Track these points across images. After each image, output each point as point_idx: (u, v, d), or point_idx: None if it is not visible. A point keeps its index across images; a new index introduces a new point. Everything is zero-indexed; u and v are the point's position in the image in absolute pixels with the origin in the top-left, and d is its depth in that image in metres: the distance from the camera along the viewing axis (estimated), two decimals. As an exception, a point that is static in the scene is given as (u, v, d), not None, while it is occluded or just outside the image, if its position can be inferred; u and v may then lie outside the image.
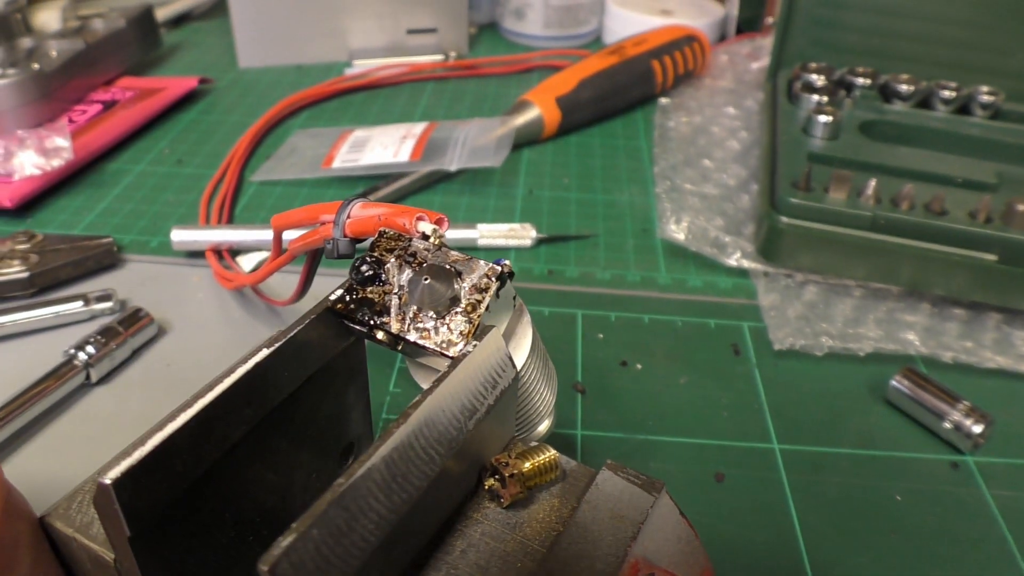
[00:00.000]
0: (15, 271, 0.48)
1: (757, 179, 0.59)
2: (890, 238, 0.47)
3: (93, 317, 0.47)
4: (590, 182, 0.62)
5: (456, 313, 0.24)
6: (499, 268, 0.24)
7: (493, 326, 0.24)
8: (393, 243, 0.25)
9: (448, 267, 0.24)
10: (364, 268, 0.25)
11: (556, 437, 0.39)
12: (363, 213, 0.28)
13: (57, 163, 0.57)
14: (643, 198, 0.60)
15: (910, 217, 0.47)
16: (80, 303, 0.47)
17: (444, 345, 0.24)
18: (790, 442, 0.41)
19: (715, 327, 0.48)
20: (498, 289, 0.24)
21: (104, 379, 0.43)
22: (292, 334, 0.24)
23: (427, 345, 0.24)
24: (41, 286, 0.49)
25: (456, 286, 0.24)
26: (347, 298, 0.25)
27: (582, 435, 0.40)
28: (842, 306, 0.48)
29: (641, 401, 0.42)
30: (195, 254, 0.52)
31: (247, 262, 0.51)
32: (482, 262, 0.24)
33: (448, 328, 0.24)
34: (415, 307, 0.24)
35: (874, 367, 0.45)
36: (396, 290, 0.25)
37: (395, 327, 0.24)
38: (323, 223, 0.30)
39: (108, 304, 0.47)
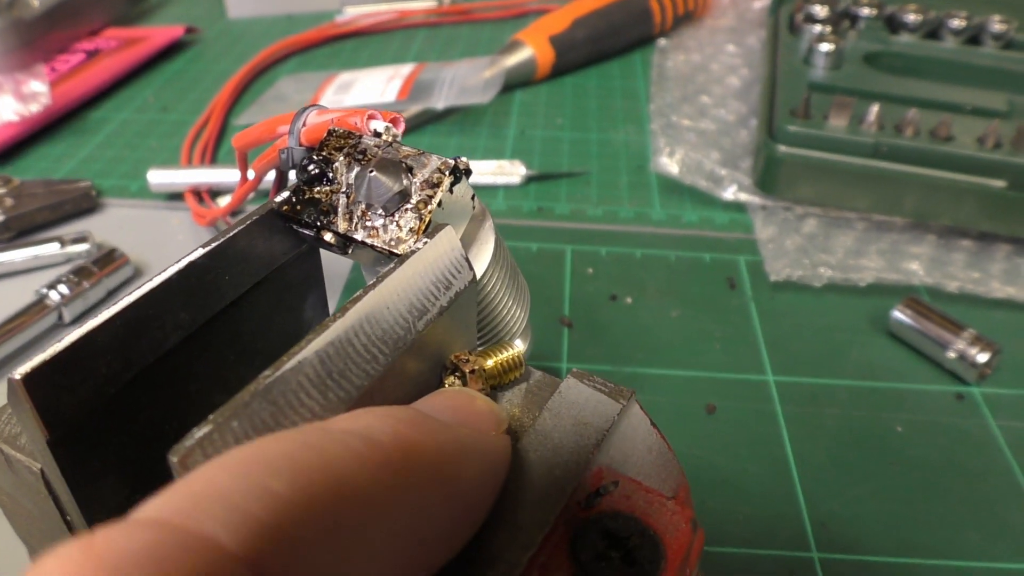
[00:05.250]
0: (-10, 215, 0.47)
1: (757, 114, 0.57)
2: (893, 165, 0.45)
3: (69, 260, 0.46)
4: (584, 122, 0.60)
5: (406, 210, 0.22)
6: (452, 162, 0.23)
7: (447, 224, 0.22)
8: (342, 141, 0.24)
9: (398, 161, 0.23)
10: (311, 167, 0.23)
11: (539, 370, 0.38)
12: (319, 119, 0.26)
13: (35, 108, 0.55)
14: (639, 137, 0.58)
15: (914, 143, 0.45)
16: (56, 245, 0.45)
17: (393, 243, 0.22)
18: (785, 374, 0.39)
19: (710, 261, 0.46)
20: (452, 184, 0.23)
21: (78, 320, 0.42)
22: (231, 234, 0.22)
23: (375, 244, 0.22)
24: (18, 230, 0.48)
25: (406, 181, 0.22)
26: (293, 199, 0.23)
27: (567, 368, 0.39)
28: (843, 238, 0.46)
29: (631, 334, 0.41)
30: (175, 197, 0.51)
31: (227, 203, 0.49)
32: (435, 156, 0.23)
33: (397, 225, 0.22)
34: (363, 205, 0.22)
35: (875, 299, 0.43)
36: (344, 189, 0.23)
37: (342, 226, 0.23)
38: (282, 135, 0.29)
39: (85, 246, 0.46)
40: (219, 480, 0.14)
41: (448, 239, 0.22)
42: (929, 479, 0.34)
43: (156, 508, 0.14)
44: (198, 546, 0.13)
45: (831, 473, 0.34)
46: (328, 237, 0.23)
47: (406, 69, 0.60)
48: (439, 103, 0.55)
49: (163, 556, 0.12)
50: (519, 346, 0.24)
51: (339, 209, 0.23)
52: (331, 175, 0.23)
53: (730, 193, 0.49)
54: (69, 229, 0.49)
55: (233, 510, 0.13)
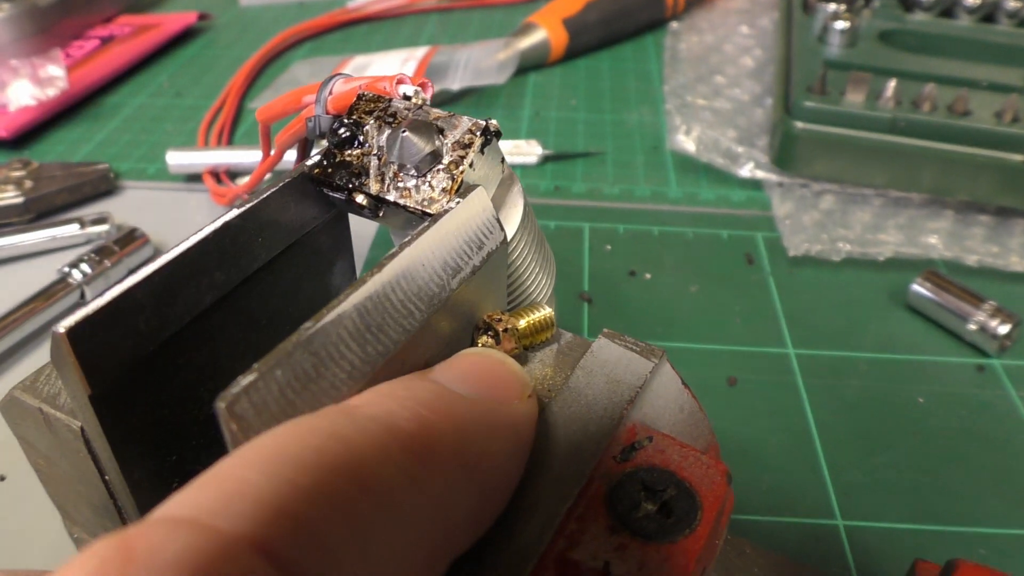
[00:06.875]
0: (10, 196, 0.47)
1: (772, 93, 0.57)
2: (911, 140, 0.45)
3: (89, 241, 0.46)
4: (598, 103, 0.60)
5: (438, 170, 0.22)
6: (483, 123, 0.23)
7: (479, 185, 0.22)
8: (372, 105, 0.24)
9: (429, 123, 0.23)
10: (341, 131, 0.23)
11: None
12: (345, 87, 0.27)
13: (52, 92, 0.55)
14: (653, 117, 0.58)
15: (932, 118, 0.45)
16: (76, 226, 0.46)
17: (425, 203, 0.22)
18: (806, 347, 0.39)
19: (727, 238, 0.46)
20: (483, 145, 0.23)
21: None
22: (264, 196, 0.22)
23: (407, 204, 0.22)
24: (37, 212, 0.48)
25: (437, 142, 0.22)
26: (324, 163, 0.23)
27: (588, 342, 0.39)
28: (861, 214, 0.46)
29: (650, 309, 0.41)
30: (193, 178, 0.51)
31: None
32: (465, 118, 0.23)
33: (430, 186, 0.22)
34: (395, 166, 0.23)
35: (894, 273, 0.43)
36: (375, 151, 0.23)
37: (374, 188, 0.23)
38: (307, 105, 0.29)
39: (104, 227, 0.46)
40: (249, 478, 0.14)
41: (480, 199, 0.22)
42: (951, 449, 0.34)
43: (189, 507, 0.14)
44: (232, 549, 0.13)
45: (854, 443, 0.35)
46: (360, 199, 0.23)
47: (420, 52, 0.60)
48: (454, 84, 0.55)
49: (200, 560, 0.12)
50: (548, 308, 0.24)
51: (371, 171, 0.23)
52: (362, 138, 0.23)
53: (747, 170, 0.50)
54: (88, 211, 0.49)
55: (264, 510, 0.13)
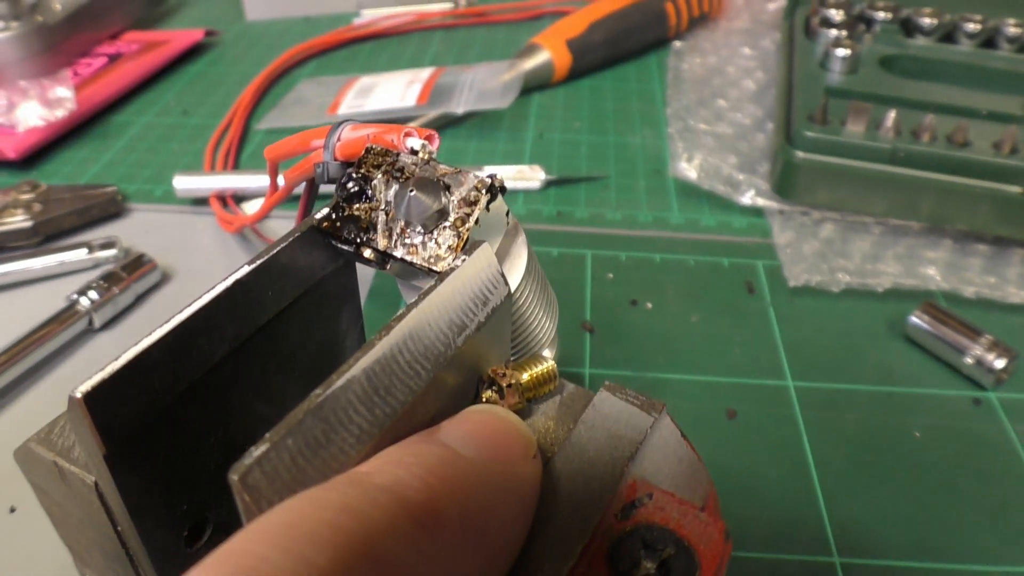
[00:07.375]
0: (18, 220, 0.48)
1: (773, 118, 0.58)
2: (910, 171, 0.46)
3: (97, 265, 0.46)
4: (602, 125, 0.61)
5: (444, 227, 0.23)
6: (488, 180, 0.23)
7: (483, 241, 0.23)
8: (380, 159, 0.24)
9: (436, 180, 0.23)
10: (350, 185, 0.24)
11: (562, 375, 0.39)
12: (353, 135, 0.27)
13: (61, 113, 0.56)
14: (656, 140, 0.59)
15: (931, 149, 0.45)
16: (84, 251, 0.46)
17: (432, 260, 0.23)
18: (805, 379, 0.39)
19: (728, 265, 0.46)
20: (488, 202, 0.23)
21: (107, 325, 0.43)
22: (275, 252, 0.23)
23: (414, 261, 0.23)
24: (45, 235, 0.49)
25: (444, 199, 0.23)
26: (333, 216, 0.24)
27: (590, 373, 0.39)
28: (860, 243, 0.47)
29: (651, 339, 0.41)
30: (199, 201, 0.51)
31: (251, 208, 0.50)
32: (472, 174, 0.23)
33: (436, 243, 0.23)
34: (402, 222, 0.23)
35: (893, 303, 0.44)
36: (383, 206, 0.24)
37: (382, 243, 0.23)
38: (315, 149, 0.29)
39: (112, 252, 0.46)
40: (265, 555, 0.14)
41: (485, 256, 0.23)
42: (947, 483, 0.35)
43: None
44: None
45: (851, 477, 0.35)
46: (367, 253, 0.24)
47: (425, 73, 0.61)
48: (459, 108, 0.56)
49: None
50: (551, 359, 0.24)
51: (378, 226, 0.23)
52: (370, 192, 0.24)
53: (748, 198, 0.50)
54: (95, 234, 0.49)
55: None
